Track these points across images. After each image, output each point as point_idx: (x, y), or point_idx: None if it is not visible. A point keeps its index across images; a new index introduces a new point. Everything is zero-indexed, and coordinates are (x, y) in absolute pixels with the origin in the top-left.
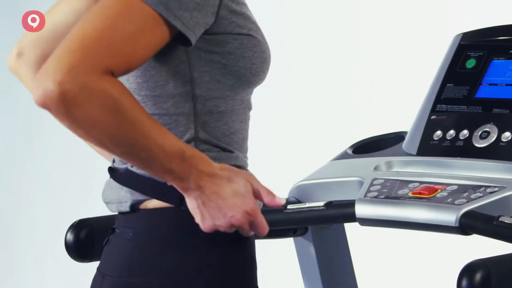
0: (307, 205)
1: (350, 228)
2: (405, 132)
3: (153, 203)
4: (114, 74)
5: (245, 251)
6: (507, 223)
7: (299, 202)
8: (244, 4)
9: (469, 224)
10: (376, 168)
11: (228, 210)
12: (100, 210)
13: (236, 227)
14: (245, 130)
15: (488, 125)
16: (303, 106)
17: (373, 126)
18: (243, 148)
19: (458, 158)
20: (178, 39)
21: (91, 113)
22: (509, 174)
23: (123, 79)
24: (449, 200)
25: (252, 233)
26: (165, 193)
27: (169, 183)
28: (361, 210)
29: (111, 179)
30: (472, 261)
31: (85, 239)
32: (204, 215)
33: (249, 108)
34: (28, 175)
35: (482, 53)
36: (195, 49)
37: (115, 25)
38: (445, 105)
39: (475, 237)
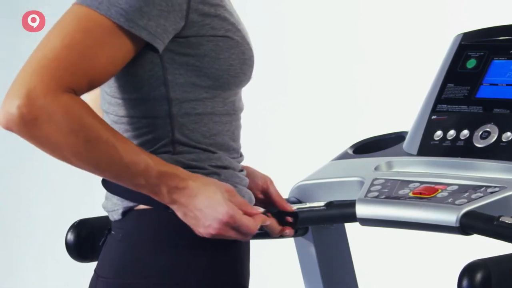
0: (308, 205)
1: (351, 228)
2: (406, 132)
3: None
4: (76, 92)
5: (235, 251)
6: (507, 223)
7: (299, 202)
8: (221, 6)
9: (469, 224)
10: (376, 168)
11: (205, 220)
12: (100, 210)
13: (217, 236)
14: (231, 131)
15: (489, 125)
16: (302, 106)
17: (372, 126)
18: (230, 148)
19: (459, 158)
20: (147, 46)
21: (52, 134)
22: (510, 174)
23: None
24: (449, 200)
25: (248, 237)
26: (154, 201)
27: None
28: (361, 210)
29: (107, 192)
30: (473, 261)
31: (85, 239)
32: (190, 224)
33: (236, 109)
34: (28, 175)
35: (482, 53)
36: (168, 52)
37: (73, 43)
38: (445, 105)
39: (475, 237)
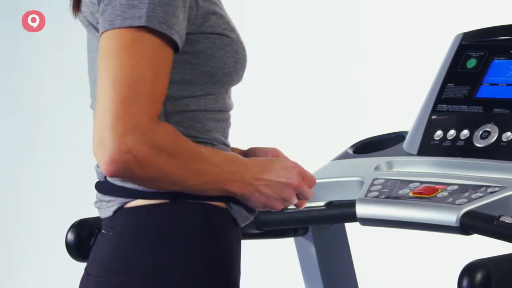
0: (308, 205)
1: (351, 228)
2: (406, 132)
3: (134, 203)
4: (159, 117)
5: (226, 248)
6: (507, 223)
7: None
8: (217, 4)
9: (469, 224)
10: (376, 168)
11: (283, 178)
12: None
13: (297, 188)
14: (222, 128)
15: (489, 125)
16: (302, 106)
17: (372, 126)
18: (224, 145)
19: (459, 158)
20: None
21: (161, 167)
22: (510, 174)
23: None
24: (449, 200)
25: (306, 192)
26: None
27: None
28: (361, 210)
29: (97, 193)
30: (473, 261)
31: (85, 239)
32: (271, 196)
33: (227, 107)
34: (28, 175)
35: (482, 53)
36: None
37: (143, 73)
38: (445, 105)
39: (475, 237)
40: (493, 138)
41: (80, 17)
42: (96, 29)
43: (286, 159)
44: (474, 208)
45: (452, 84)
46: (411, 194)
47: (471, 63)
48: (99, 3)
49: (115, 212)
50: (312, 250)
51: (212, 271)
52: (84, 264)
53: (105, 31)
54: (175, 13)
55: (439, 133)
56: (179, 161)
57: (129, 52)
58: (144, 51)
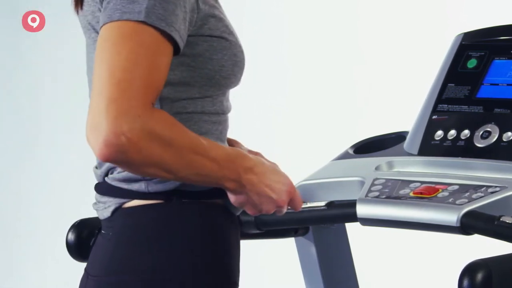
0: (308, 205)
1: (351, 228)
2: (406, 132)
3: (131, 203)
4: (153, 105)
5: (225, 247)
6: (508, 223)
7: None
8: (216, 7)
9: (470, 224)
10: (377, 168)
11: (274, 194)
12: None
13: (280, 207)
14: (219, 131)
15: (489, 125)
16: (302, 106)
17: (372, 126)
18: None
19: (459, 158)
20: None
21: (156, 151)
22: (510, 174)
23: None
24: (450, 200)
25: (284, 211)
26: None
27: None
28: (362, 210)
29: (96, 194)
30: (473, 261)
31: (86, 239)
32: (255, 204)
33: (224, 109)
34: (28, 175)
35: (483, 53)
36: None
37: (140, 59)
38: (446, 105)
39: (476, 237)
40: (494, 138)
41: (80, 17)
42: (95, 31)
43: (285, 174)
44: (474, 208)
45: (453, 84)
46: (411, 194)
47: (472, 63)
48: (101, 2)
49: (114, 212)
50: (313, 250)
51: (212, 271)
52: (84, 264)
53: (104, 24)
54: (175, 11)
55: (439, 133)
56: (173, 148)
57: (126, 40)
58: (142, 40)
